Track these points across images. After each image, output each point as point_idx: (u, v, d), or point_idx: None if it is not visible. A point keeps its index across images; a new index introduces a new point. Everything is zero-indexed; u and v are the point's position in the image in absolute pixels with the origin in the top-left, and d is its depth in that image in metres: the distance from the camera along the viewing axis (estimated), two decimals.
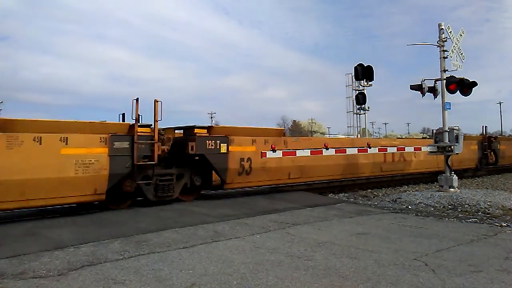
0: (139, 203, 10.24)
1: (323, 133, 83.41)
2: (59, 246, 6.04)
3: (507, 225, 8.12)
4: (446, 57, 12.67)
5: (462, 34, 13.07)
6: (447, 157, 12.94)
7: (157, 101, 10.07)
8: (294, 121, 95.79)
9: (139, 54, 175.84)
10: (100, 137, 8.98)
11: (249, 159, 11.80)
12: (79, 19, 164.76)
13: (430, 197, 11.60)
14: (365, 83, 19.78)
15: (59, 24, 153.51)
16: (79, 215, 8.86)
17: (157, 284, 4.44)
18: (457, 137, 12.69)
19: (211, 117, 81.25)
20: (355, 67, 19.56)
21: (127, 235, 6.80)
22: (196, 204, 10.54)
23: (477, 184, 19.24)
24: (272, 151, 12.41)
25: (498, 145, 24.53)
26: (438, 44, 12.83)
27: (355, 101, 20.43)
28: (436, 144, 13.18)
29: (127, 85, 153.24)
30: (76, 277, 4.64)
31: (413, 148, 18.35)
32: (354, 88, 20.41)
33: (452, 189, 12.43)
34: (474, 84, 12.74)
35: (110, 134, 9.18)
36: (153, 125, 10.06)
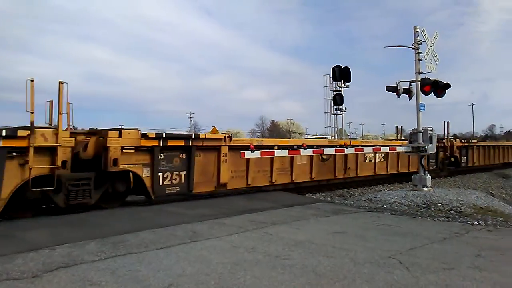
0: None
1: (301, 134, 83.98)
2: (34, 247, 5.92)
3: (478, 224, 8.35)
4: (421, 59, 12.93)
5: (436, 37, 13.36)
6: (421, 157, 13.22)
7: None
8: (273, 121, 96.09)
9: (121, 54, 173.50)
10: None
11: None
12: (62, 19, 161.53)
13: (404, 196, 11.82)
14: (343, 84, 20.00)
15: (40, 23, 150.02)
16: (55, 216, 8.70)
17: (134, 285, 4.41)
18: (430, 138, 12.98)
19: (190, 117, 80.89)
20: (333, 68, 19.78)
21: (104, 236, 6.71)
22: (174, 204, 10.49)
23: (449, 184, 19.73)
24: None
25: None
26: (413, 47, 13.08)
27: (332, 102, 20.63)
28: (411, 144, 13.45)
29: (108, 84, 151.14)
30: (51, 279, 4.56)
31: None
32: (331, 89, 20.59)
33: (426, 188, 12.69)
34: (447, 85, 13.05)
35: None
36: None
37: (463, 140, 26.08)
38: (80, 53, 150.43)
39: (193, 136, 11.57)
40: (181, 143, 11.04)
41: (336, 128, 21.07)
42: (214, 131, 15.10)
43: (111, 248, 5.91)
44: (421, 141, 13.08)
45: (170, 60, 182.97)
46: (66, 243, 6.20)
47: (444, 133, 23.73)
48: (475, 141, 28.30)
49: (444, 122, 23.27)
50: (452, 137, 25.12)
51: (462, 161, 23.89)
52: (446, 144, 22.52)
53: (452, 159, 23.05)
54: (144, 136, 10.26)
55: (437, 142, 19.75)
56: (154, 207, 10.04)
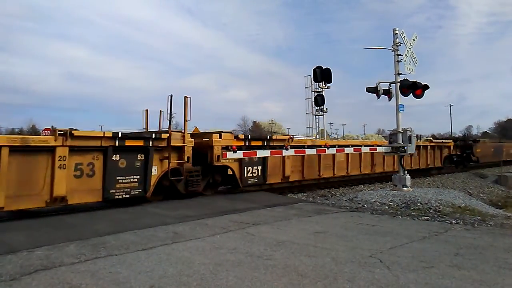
0: None
1: (283, 134, 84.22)
2: (12, 250, 5.81)
3: (457, 223, 8.50)
4: (400, 61, 13.13)
5: (415, 39, 13.59)
6: (400, 157, 13.40)
7: None
8: (255, 121, 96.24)
9: (101, 54, 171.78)
10: None
11: None
12: (38, 17, 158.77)
13: (384, 196, 11.97)
14: (324, 85, 20.11)
15: (16, 21, 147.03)
16: (34, 218, 8.54)
17: (115, 287, 4.36)
18: (410, 138, 13.18)
19: (171, 118, 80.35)
20: (314, 69, 19.85)
21: (84, 238, 6.62)
22: (156, 205, 10.41)
23: (428, 184, 20.06)
24: None
25: None
26: (392, 49, 13.27)
27: (313, 102, 20.71)
28: (390, 145, 13.63)
29: (87, 84, 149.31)
30: (29, 282, 4.48)
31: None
32: (313, 90, 20.68)
33: (405, 188, 12.88)
34: (426, 87, 13.25)
35: None
36: None
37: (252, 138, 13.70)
38: (58, 52, 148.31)
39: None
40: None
41: (317, 129, 21.13)
42: (196, 131, 15.04)
43: (91, 250, 5.83)
44: (400, 141, 13.27)
45: (150, 60, 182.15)
46: (45, 245, 6.10)
47: (169, 122, 11.94)
48: (276, 137, 15.29)
49: (168, 97, 11.61)
50: (218, 132, 13.09)
51: (249, 175, 13.61)
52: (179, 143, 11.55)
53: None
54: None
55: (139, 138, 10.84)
56: (135, 208, 9.94)
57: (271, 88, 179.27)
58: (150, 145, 10.86)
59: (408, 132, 13.24)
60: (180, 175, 11.60)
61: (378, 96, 13.20)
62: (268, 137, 14.14)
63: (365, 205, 11.11)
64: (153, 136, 11.08)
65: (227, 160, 12.58)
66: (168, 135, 11.27)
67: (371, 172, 19.77)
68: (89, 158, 9.79)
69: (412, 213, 9.79)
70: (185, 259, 5.43)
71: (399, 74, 13.14)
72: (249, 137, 13.56)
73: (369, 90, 13.33)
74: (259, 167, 13.91)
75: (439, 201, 11.18)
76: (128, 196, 10.43)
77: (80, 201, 9.62)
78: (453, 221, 8.61)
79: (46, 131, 12.07)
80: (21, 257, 5.49)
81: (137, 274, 4.76)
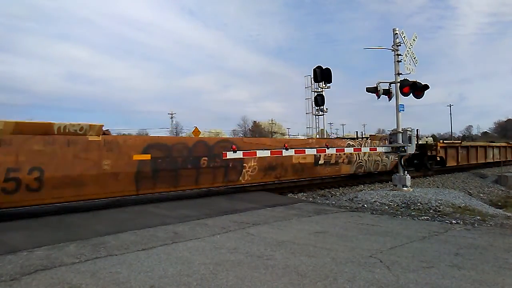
0: None
1: (283, 134, 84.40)
2: (12, 250, 5.81)
3: (457, 222, 8.50)
4: (400, 61, 13.12)
5: (415, 39, 13.58)
6: (400, 157, 13.40)
7: None
8: (255, 121, 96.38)
9: (101, 54, 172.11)
10: None
11: None
12: (40, 17, 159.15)
13: (384, 196, 11.97)
14: (324, 85, 20.13)
15: (18, 22, 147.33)
16: (34, 218, 8.55)
17: (115, 287, 4.36)
18: (410, 138, 13.19)
19: (172, 118, 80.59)
20: (314, 69, 19.89)
21: (84, 238, 6.62)
22: (156, 205, 10.41)
23: (428, 184, 20.05)
24: None
25: None
26: (392, 49, 13.26)
27: (313, 102, 20.74)
28: (390, 145, 13.63)
29: (87, 84, 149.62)
30: (29, 282, 4.47)
31: None
32: (313, 90, 20.70)
33: (406, 188, 12.88)
34: (426, 87, 13.25)
35: None
36: None
37: None
38: (59, 53, 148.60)
39: None
40: None
41: (317, 129, 21.15)
42: (196, 131, 15.03)
43: (91, 250, 5.83)
44: (400, 141, 13.27)
45: (151, 60, 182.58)
46: (45, 245, 6.11)
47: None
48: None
49: None
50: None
51: None
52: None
53: None
54: None
55: None
56: (135, 208, 9.95)
57: (271, 88, 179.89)
58: None
59: (408, 132, 13.25)
60: None
61: (378, 96, 13.19)
62: None
63: (365, 205, 11.10)
64: None
65: None
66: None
67: None
68: None
69: (412, 213, 9.78)
70: (185, 259, 5.43)
71: (399, 74, 13.13)
72: None
73: (369, 90, 13.32)
74: None
75: (439, 201, 11.18)
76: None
77: None
78: (453, 221, 8.61)
79: None
80: (21, 257, 5.49)
81: (137, 274, 4.76)
